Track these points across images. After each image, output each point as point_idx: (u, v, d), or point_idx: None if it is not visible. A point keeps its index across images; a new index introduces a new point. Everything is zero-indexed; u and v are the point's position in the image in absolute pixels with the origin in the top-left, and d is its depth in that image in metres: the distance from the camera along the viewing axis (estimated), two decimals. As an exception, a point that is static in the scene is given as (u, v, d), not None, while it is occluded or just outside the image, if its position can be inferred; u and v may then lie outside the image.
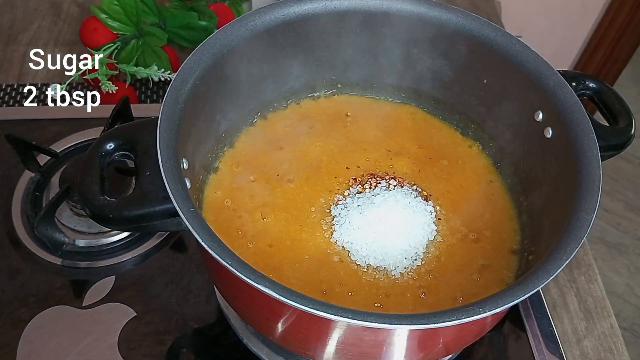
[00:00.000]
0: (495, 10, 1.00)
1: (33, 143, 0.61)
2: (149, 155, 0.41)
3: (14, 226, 0.59)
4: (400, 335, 0.38)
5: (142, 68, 0.73)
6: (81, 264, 0.58)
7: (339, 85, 0.59)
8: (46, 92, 0.76)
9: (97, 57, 0.70)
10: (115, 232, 0.59)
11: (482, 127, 0.56)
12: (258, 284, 0.34)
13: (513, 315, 0.57)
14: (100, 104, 0.74)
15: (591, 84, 0.51)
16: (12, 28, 0.86)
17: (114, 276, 0.57)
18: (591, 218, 0.39)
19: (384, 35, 0.54)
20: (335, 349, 0.41)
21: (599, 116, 0.53)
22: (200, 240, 0.35)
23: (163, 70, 0.72)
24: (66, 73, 0.70)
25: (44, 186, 0.63)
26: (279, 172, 0.53)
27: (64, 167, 0.62)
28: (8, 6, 0.89)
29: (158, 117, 0.41)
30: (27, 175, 0.63)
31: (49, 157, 0.64)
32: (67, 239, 0.58)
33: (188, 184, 0.43)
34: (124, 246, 0.59)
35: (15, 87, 0.77)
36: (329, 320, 0.34)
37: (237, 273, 0.34)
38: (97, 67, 0.70)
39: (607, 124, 0.49)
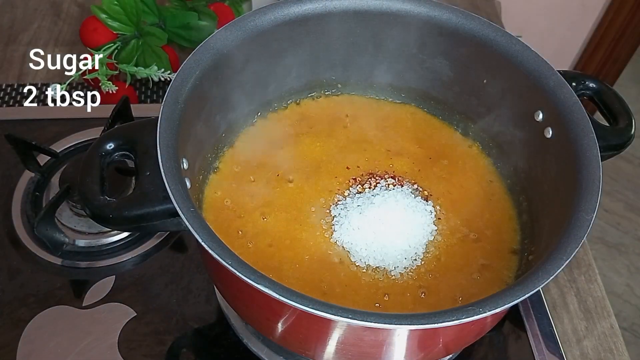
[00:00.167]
0: (495, 10, 1.00)
1: (33, 143, 0.61)
2: (149, 155, 0.41)
3: (14, 226, 0.59)
4: (400, 335, 0.38)
5: (142, 68, 0.73)
6: (81, 264, 0.58)
7: (339, 85, 0.59)
8: (46, 92, 0.76)
9: (97, 57, 0.70)
10: (115, 232, 0.59)
11: (482, 127, 0.56)
12: (258, 284, 0.34)
13: (513, 315, 0.57)
14: (100, 104, 0.74)
15: (591, 84, 0.51)
16: (12, 28, 0.86)
17: (114, 276, 0.57)
18: (591, 218, 0.39)
19: (384, 35, 0.54)
20: (335, 349, 0.41)
21: (599, 116, 0.53)
22: (200, 240, 0.35)
23: (163, 70, 0.72)
24: (66, 73, 0.70)
25: (44, 186, 0.63)
26: (279, 172, 0.53)
27: (64, 167, 0.62)
28: (8, 6, 0.89)
29: (158, 117, 0.41)
30: (27, 175, 0.63)
31: (49, 157, 0.64)
32: (67, 239, 0.58)
33: (188, 184, 0.43)
34: (124, 246, 0.59)
35: (15, 87, 0.77)
36: (329, 320, 0.34)
37: (237, 273, 0.34)
38: (97, 67, 0.70)
39: (607, 124, 0.49)
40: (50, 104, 0.75)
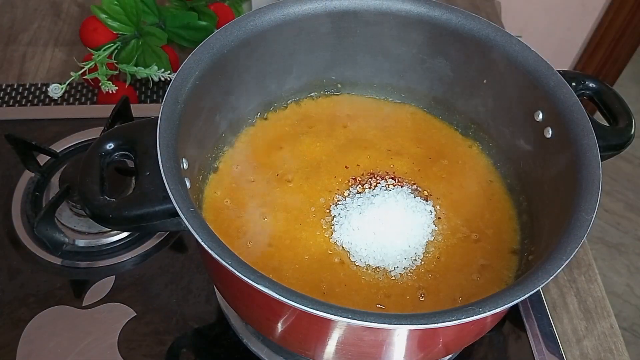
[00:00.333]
0: (495, 10, 1.00)
1: (33, 143, 0.61)
2: (148, 155, 0.41)
3: (14, 226, 0.59)
4: (400, 335, 0.38)
5: (142, 68, 0.73)
6: (81, 264, 0.58)
7: (339, 85, 0.59)
8: (46, 92, 0.76)
9: (97, 57, 0.70)
10: (115, 232, 0.59)
11: (482, 127, 0.56)
12: (258, 284, 0.34)
13: (513, 315, 0.57)
14: (100, 104, 0.75)
15: (591, 84, 0.51)
16: (12, 28, 0.86)
17: (114, 276, 0.57)
18: (591, 218, 0.39)
19: (384, 35, 0.54)
20: (335, 349, 0.41)
21: (599, 116, 0.53)
22: (200, 240, 0.35)
23: (163, 70, 0.72)
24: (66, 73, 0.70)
25: (44, 186, 0.63)
26: (278, 172, 0.53)
27: (64, 167, 0.62)
28: (8, 6, 0.89)
29: (158, 117, 0.41)
30: (27, 175, 0.63)
31: (49, 157, 0.64)
32: (67, 239, 0.58)
33: (188, 184, 0.43)
34: (124, 246, 0.59)
35: (15, 87, 0.77)
36: (329, 320, 0.34)
37: (237, 273, 0.34)
38: (97, 67, 0.70)
39: (607, 124, 0.49)
40: (50, 104, 0.75)
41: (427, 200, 0.52)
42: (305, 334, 0.41)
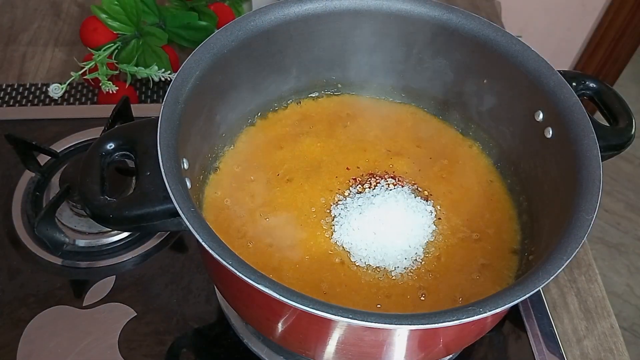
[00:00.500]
0: (495, 10, 1.00)
1: (33, 143, 0.61)
2: (149, 155, 0.41)
3: (14, 226, 0.59)
4: (400, 336, 0.38)
5: (142, 68, 0.73)
6: (81, 264, 0.58)
7: (339, 85, 0.59)
8: (46, 92, 0.76)
9: (97, 57, 0.70)
10: (116, 232, 0.59)
11: (482, 127, 0.56)
12: (258, 284, 0.34)
13: (513, 315, 0.57)
14: (100, 104, 0.75)
15: (591, 84, 0.51)
16: (12, 28, 0.86)
17: (114, 276, 0.57)
18: (591, 218, 0.39)
19: (384, 35, 0.54)
20: (336, 349, 0.41)
21: (599, 116, 0.53)
22: (200, 240, 0.35)
23: (163, 70, 0.72)
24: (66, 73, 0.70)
25: (44, 186, 0.63)
26: (278, 172, 0.53)
27: (64, 167, 0.62)
28: (8, 6, 0.89)
29: (158, 117, 0.41)
30: (27, 175, 0.63)
31: (49, 157, 0.64)
32: (67, 239, 0.58)
33: (188, 184, 0.43)
34: (124, 246, 0.59)
35: (15, 87, 0.77)
36: (329, 320, 0.34)
37: (237, 273, 0.34)
38: (97, 67, 0.70)
39: (607, 124, 0.49)
40: (51, 104, 0.75)
41: (427, 200, 0.52)
42: (305, 334, 0.41)
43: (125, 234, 0.60)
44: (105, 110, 0.63)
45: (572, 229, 0.38)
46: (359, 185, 0.52)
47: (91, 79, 0.71)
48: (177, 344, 0.53)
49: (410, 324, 0.34)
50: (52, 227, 0.57)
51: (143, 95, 0.78)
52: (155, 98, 0.78)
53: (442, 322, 0.34)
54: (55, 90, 0.69)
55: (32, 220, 0.59)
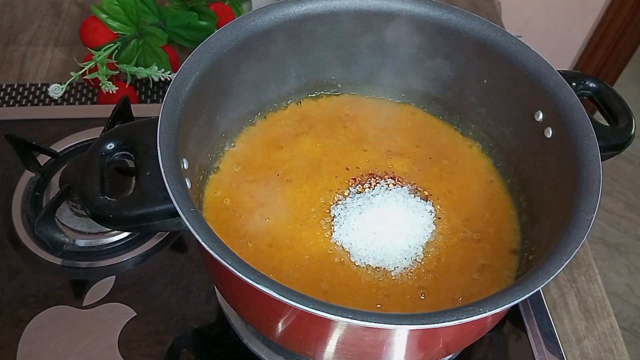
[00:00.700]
0: (495, 10, 1.00)
1: (33, 143, 0.61)
2: (149, 155, 0.41)
3: (14, 226, 0.59)
4: (400, 335, 0.38)
5: (142, 68, 0.73)
6: (81, 264, 0.58)
7: (339, 85, 0.59)
8: (46, 92, 0.76)
9: (97, 57, 0.70)
10: (115, 232, 0.59)
11: (482, 127, 0.56)
12: (258, 284, 0.34)
13: (513, 315, 0.57)
14: (100, 104, 0.75)
15: (591, 84, 0.51)
16: (12, 28, 0.86)
17: (114, 276, 0.57)
18: (591, 218, 0.39)
19: (384, 35, 0.54)
20: (336, 349, 0.41)
21: (599, 116, 0.53)
22: (200, 240, 0.35)
23: (163, 70, 0.72)
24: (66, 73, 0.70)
25: (44, 186, 0.63)
26: (278, 172, 0.53)
27: (64, 167, 0.62)
28: (8, 6, 0.89)
29: (158, 117, 0.41)
30: (27, 175, 0.63)
31: (49, 157, 0.64)
32: (67, 239, 0.58)
33: (188, 184, 0.43)
34: (124, 246, 0.59)
35: (15, 87, 0.77)
36: (329, 320, 0.34)
37: (237, 273, 0.34)
38: (97, 67, 0.70)
39: (607, 124, 0.49)
40: (51, 104, 0.75)
41: (427, 200, 0.52)
42: (305, 334, 0.41)
43: (125, 234, 0.60)
44: (105, 110, 0.63)
45: (572, 229, 0.38)
46: (359, 185, 0.52)
47: (91, 79, 0.71)
48: (177, 344, 0.53)
49: (410, 324, 0.34)
50: (52, 227, 0.57)
51: (143, 95, 0.78)
52: (155, 98, 0.78)
53: (442, 322, 0.34)
54: (55, 90, 0.69)
55: (32, 220, 0.59)
